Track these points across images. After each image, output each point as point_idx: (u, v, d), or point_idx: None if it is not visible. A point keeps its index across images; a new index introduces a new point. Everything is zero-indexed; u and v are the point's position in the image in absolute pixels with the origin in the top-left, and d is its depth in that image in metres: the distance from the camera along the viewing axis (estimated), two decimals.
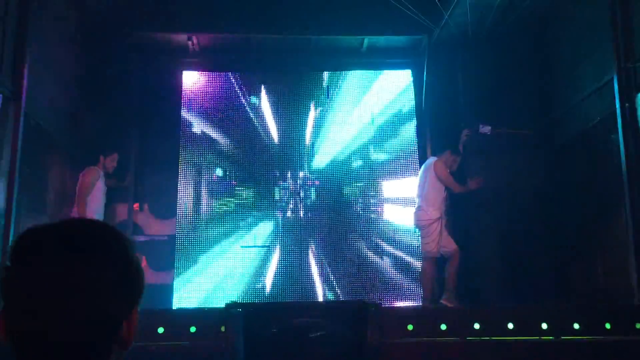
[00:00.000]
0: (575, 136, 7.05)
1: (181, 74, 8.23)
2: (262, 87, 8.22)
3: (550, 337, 5.17)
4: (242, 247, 7.77)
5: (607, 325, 5.17)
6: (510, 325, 5.18)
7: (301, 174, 8.08)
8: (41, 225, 1.02)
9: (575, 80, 7.01)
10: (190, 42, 7.96)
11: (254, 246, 7.79)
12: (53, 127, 6.70)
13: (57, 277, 0.94)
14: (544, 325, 5.19)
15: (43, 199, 6.51)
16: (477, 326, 5.18)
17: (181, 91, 8.15)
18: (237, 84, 8.21)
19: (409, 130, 8.19)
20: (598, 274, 6.39)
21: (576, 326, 5.18)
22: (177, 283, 7.57)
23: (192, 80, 8.25)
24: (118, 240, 1.02)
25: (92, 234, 1.01)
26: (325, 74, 8.38)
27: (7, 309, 0.96)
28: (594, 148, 6.66)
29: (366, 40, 8.09)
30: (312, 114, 8.22)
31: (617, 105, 5.79)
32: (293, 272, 7.65)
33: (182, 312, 6.50)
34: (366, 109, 8.29)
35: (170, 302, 7.40)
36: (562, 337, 5.16)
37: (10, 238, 5.29)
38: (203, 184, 7.98)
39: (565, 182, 7.19)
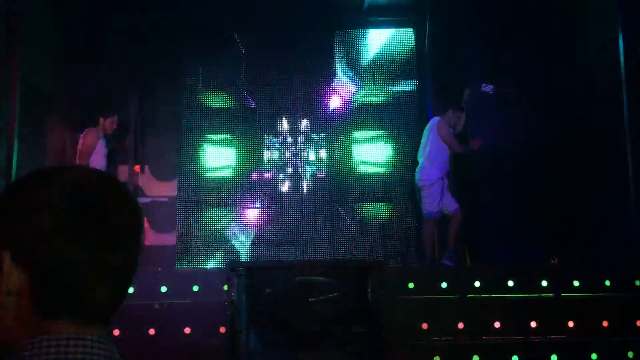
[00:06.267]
0: (580, 95, 6.97)
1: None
2: (261, 47, 8.08)
3: (550, 294, 5.22)
4: (242, 208, 7.78)
5: (607, 283, 5.22)
6: (511, 283, 5.23)
7: (302, 134, 8.03)
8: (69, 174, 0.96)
9: (579, 37, 6.89)
10: None
11: (255, 207, 7.81)
12: (51, 88, 6.63)
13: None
14: (544, 283, 5.24)
15: (43, 161, 6.49)
16: (477, 284, 5.24)
17: (183, 50, 8.01)
18: (239, 44, 8.07)
19: (411, 90, 8.10)
20: (600, 233, 6.42)
21: (576, 284, 5.23)
22: (179, 244, 7.61)
23: (195, 39, 8.10)
24: None
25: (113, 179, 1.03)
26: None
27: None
28: (599, 106, 6.59)
29: None
30: (313, 74, 8.10)
31: (622, 62, 5.72)
32: (295, 232, 7.68)
33: (185, 271, 6.56)
34: (366, 68, 8.16)
35: (173, 263, 7.44)
36: (562, 295, 5.21)
37: None
38: (204, 144, 7.94)
39: (569, 142, 7.14)
